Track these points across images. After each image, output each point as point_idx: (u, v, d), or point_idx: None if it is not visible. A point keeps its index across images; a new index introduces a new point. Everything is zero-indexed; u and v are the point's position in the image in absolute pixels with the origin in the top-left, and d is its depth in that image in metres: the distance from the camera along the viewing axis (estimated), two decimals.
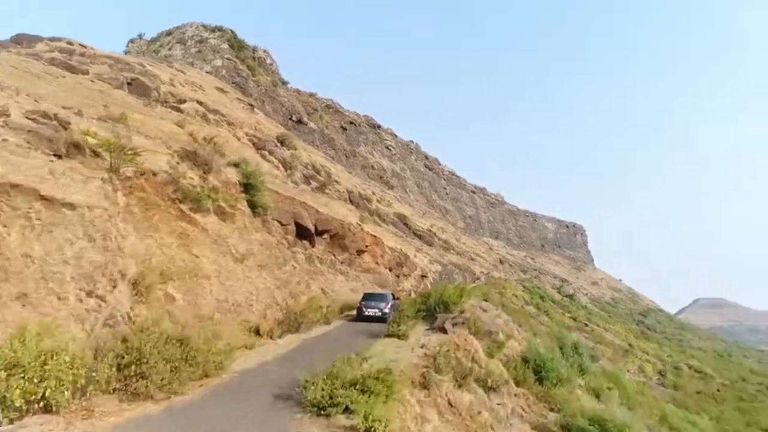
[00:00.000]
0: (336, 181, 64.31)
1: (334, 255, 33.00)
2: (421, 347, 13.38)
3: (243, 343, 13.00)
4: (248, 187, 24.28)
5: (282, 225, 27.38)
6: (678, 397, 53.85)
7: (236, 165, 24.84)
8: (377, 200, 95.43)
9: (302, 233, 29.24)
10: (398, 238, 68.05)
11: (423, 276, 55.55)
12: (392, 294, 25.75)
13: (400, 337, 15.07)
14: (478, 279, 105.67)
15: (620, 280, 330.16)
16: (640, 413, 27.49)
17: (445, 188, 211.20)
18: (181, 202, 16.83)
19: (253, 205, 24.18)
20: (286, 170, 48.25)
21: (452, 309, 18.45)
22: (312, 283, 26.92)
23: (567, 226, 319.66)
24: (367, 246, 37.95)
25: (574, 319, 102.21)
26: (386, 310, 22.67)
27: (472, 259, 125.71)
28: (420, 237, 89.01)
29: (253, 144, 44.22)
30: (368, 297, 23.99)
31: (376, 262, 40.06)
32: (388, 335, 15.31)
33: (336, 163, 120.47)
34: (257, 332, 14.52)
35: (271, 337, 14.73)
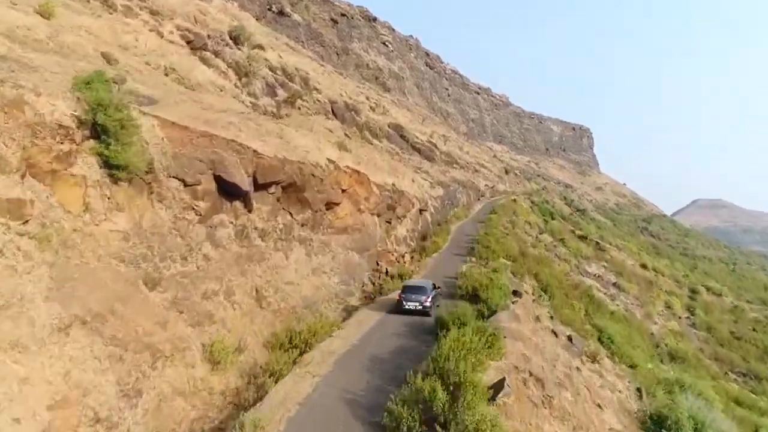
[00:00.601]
0: (315, 89, 51.89)
1: (291, 214, 22.32)
2: None
3: None
4: (101, 130, 13.07)
5: (187, 186, 16.41)
6: (721, 353, 45.84)
7: (82, 89, 13.41)
8: (370, 108, 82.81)
9: (230, 192, 18.39)
10: (392, 158, 56.90)
11: (422, 210, 45.23)
12: (433, 284, 22.65)
13: None
14: (482, 195, 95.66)
15: (624, 184, 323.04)
16: None
17: (447, 89, 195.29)
18: None
19: (113, 164, 13.13)
20: (239, 78, 36.10)
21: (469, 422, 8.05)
22: (240, 281, 16.52)
23: (573, 129, 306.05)
24: (344, 190, 27.13)
25: (585, 237, 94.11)
26: (427, 304, 20.66)
27: (476, 171, 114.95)
28: (419, 151, 77.62)
29: (188, 42, 31.80)
30: (408, 290, 21.52)
31: (359, 209, 29.48)
32: None
33: (325, 63, 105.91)
34: None
35: None
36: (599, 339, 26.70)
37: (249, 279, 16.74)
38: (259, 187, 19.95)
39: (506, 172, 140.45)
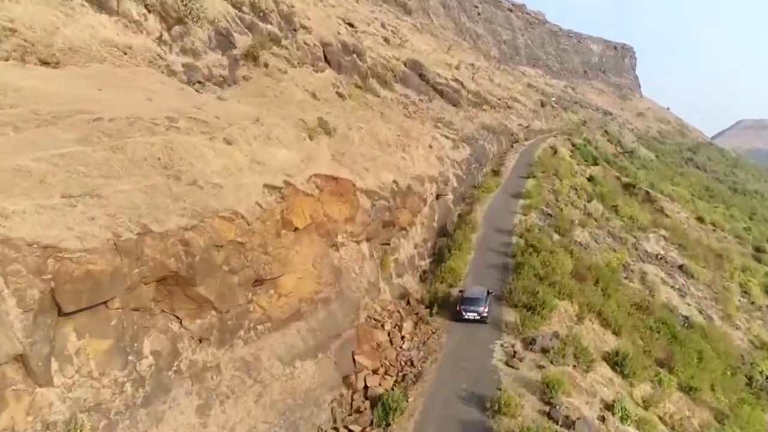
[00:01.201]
0: (303, 27, 39.65)
1: (180, 321, 12.00)
2: None
3: None
4: None
5: None
6: None
7: None
8: (384, 39, 69.30)
9: None
10: (405, 114, 45.11)
11: (438, 196, 34.28)
12: (487, 291, 23.51)
13: None
14: (516, 141, 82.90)
15: (668, 108, 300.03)
16: None
17: (476, 7, 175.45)
18: None
19: None
20: (168, 28, 24.60)
21: None
22: None
23: (615, 48, 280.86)
24: (299, 229, 16.48)
25: (633, 185, 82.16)
26: (485, 314, 22.24)
27: (509, 108, 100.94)
28: (441, 94, 64.89)
29: None
30: (466, 301, 22.70)
31: (334, 245, 19.00)
32: None
33: None
34: None
35: None
36: None
37: None
38: (67, 313, 9.54)
39: (542, 104, 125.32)
